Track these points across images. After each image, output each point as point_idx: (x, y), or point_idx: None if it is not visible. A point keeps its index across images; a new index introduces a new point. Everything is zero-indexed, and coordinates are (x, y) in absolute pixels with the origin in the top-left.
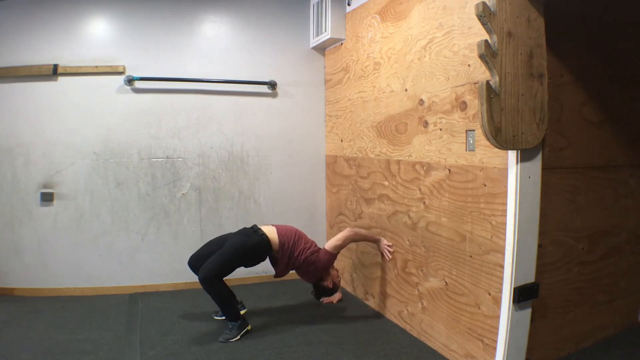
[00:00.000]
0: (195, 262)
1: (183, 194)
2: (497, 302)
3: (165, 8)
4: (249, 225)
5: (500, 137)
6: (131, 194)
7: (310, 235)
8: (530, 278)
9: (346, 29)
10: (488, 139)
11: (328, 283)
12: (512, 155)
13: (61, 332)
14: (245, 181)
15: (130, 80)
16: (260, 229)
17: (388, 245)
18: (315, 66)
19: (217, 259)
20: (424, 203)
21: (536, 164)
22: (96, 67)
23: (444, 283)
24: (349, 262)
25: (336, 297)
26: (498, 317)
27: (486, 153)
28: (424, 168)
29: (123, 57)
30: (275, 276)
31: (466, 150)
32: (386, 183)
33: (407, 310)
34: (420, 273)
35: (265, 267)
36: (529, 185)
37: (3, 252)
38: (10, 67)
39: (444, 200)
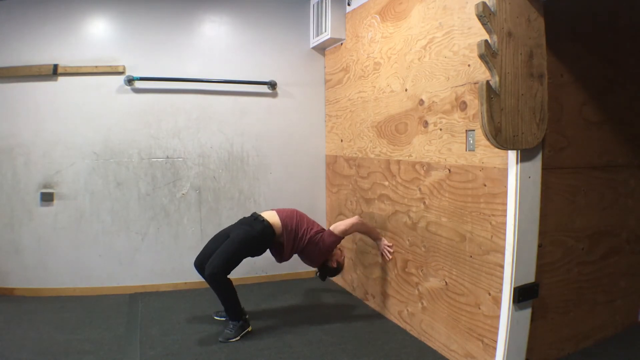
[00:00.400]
0: (201, 263)
1: (183, 194)
2: (497, 302)
3: (165, 8)
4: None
5: (500, 137)
6: (131, 194)
7: None
8: (530, 278)
9: (346, 29)
10: (488, 139)
11: (332, 263)
12: (512, 155)
13: (61, 332)
14: (245, 181)
15: (130, 80)
16: (260, 215)
17: (388, 246)
18: (315, 66)
19: (222, 254)
20: (424, 203)
21: (536, 164)
22: (96, 67)
23: (444, 283)
24: (349, 262)
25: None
26: (498, 317)
27: (486, 153)
28: (424, 168)
29: (123, 57)
30: (281, 261)
31: (466, 150)
32: (386, 183)
33: (407, 310)
34: (420, 273)
35: (265, 267)
36: (529, 185)
37: (3, 252)
38: (10, 67)
39: (444, 200)
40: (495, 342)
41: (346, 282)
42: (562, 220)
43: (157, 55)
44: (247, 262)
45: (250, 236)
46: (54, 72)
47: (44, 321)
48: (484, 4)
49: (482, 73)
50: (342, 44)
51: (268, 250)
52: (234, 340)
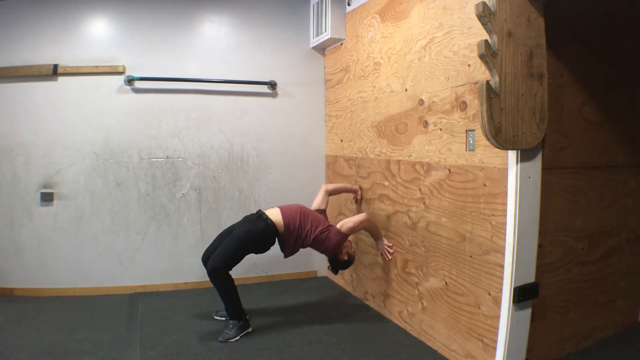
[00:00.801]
0: (207, 258)
1: (183, 194)
2: (497, 302)
3: (165, 8)
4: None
5: (500, 137)
6: (131, 194)
7: None
8: (530, 278)
9: (346, 29)
10: (488, 139)
11: (343, 256)
12: (512, 155)
13: (61, 332)
14: (245, 181)
15: (130, 80)
16: (264, 213)
17: (388, 246)
18: (315, 66)
19: (224, 250)
20: (424, 203)
21: (536, 164)
22: (96, 67)
23: (444, 283)
24: None
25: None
26: (498, 317)
27: (486, 153)
28: (424, 168)
29: (123, 57)
30: (285, 256)
31: (466, 150)
32: (386, 183)
33: (407, 310)
34: (420, 273)
35: (265, 267)
36: (529, 185)
37: (3, 252)
38: (10, 67)
39: (444, 200)
40: (495, 342)
41: (346, 282)
42: (562, 220)
43: (157, 55)
44: (248, 262)
45: (253, 234)
46: (54, 72)
47: (44, 321)
48: (484, 4)
49: (482, 73)
50: (342, 44)
51: (271, 248)
52: (233, 340)
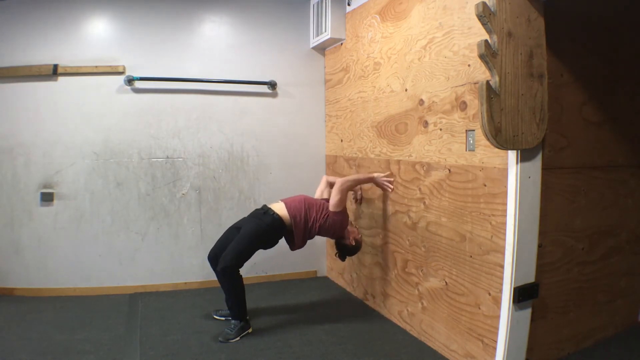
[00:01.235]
0: (215, 256)
1: (183, 194)
2: (497, 302)
3: (165, 8)
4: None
5: (500, 137)
6: (131, 194)
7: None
8: (530, 278)
9: (346, 29)
10: (488, 139)
11: (350, 241)
12: (512, 155)
13: (61, 332)
14: (245, 181)
15: (130, 80)
16: (270, 208)
17: (387, 179)
18: (315, 66)
19: (234, 249)
20: (424, 203)
21: (536, 164)
22: (96, 67)
23: (444, 283)
24: (349, 262)
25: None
26: (498, 317)
27: (486, 153)
28: (424, 168)
29: (123, 57)
30: (293, 249)
31: (466, 150)
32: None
33: (407, 310)
34: (420, 273)
35: (265, 267)
36: (529, 185)
37: (3, 252)
38: (10, 67)
39: (444, 200)
40: (495, 342)
41: (346, 282)
42: (562, 220)
43: (157, 55)
44: (248, 261)
45: (261, 230)
46: (54, 72)
47: (44, 321)
48: (484, 4)
49: (482, 73)
50: (342, 44)
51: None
52: (233, 340)
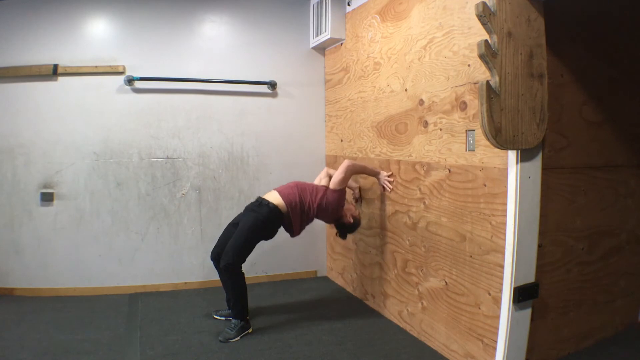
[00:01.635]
0: (217, 255)
1: (183, 194)
2: (497, 302)
3: (165, 8)
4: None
5: (500, 137)
6: (131, 194)
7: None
8: (530, 278)
9: (346, 29)
10: (488, 139)
11: (348, 219)
12: (512, 155)
13: (61, 332)
14: (245, 181)
15: (130, 80)
16: (264, 199)
17: (388, 178)
18: (315, 66)
19: (234, 245)
20: (424, 203)
21: (536, 164)
22: (96, 67)
23: (444, 283)
24: (349, 262)
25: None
26: (498, 317)
27: (486, 153)
28: (424, 168)
29: (123, 57)
30: (293, 235)
31: (466, 150)
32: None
33: (407, 310)
34: (420, 273)
35: (265, 267)
36: (529, 185)
37: (3, 252)
38: (10, 67)
39: (444, 200)
40: (495, 342)
41: (346, 282)
42: (562, 220)
43: (157, 55)
44: (248, 261)
45: (259, 222)
46: (54, 72)
47: (44, 321)
48: (484, 4)
49: (482, 73)
50: (342, 44)
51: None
52: (233, 340)
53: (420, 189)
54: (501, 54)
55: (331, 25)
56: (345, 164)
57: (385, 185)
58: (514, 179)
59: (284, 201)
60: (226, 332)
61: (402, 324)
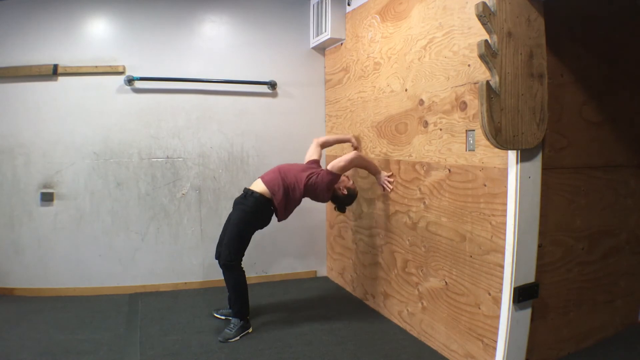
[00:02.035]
0: (218, 255)
1: (183, 194)
2: (497, 302)
3: (165, 8)
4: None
5: (500, 137)
6: (131, 194)
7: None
8: (530, 278)
9: (346, 29)
10: (488, 139)
11: (342, 192)
12: (512, 155)
13: (61, 332)
14: (245, 181)
15: (130, 80)
16: (249, 189)
17: (388, 178)
18: (315, 66)
19: (228, 242)
20: (424, 203)
21: (536, 164)
22: (96, 67)
23: (444, 283)
24: (349, 262)
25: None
26: (498, 317)
27: (486, 153)
28: (424, 168)
29: (123, 57)
30: (280, 219)
31: (466, 150)
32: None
33: (407, 310)
34: (420, 273)
35: (265, 267)
36: (529, 185)
37: (3, 252)
38: (10, 67)
39: (444, 200)
40: (495, 342)
41: (346, 282)
42: (562, 220)
43: (157, 55)
44: (248, 262)
45: (247, 214)
46: (54, 72)
47: (44, 321)
48: (484, 4)
49: (482, 73)
50: (342, 44)
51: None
52: (233, 340)
53: (420, 189)
54: (501, 54)
55: (331, 25)
56: (353, 154)
57: (385, 186)
58: (514, 179)
59: (267, 187)
60: (226, 332)
61: (402, 324)
